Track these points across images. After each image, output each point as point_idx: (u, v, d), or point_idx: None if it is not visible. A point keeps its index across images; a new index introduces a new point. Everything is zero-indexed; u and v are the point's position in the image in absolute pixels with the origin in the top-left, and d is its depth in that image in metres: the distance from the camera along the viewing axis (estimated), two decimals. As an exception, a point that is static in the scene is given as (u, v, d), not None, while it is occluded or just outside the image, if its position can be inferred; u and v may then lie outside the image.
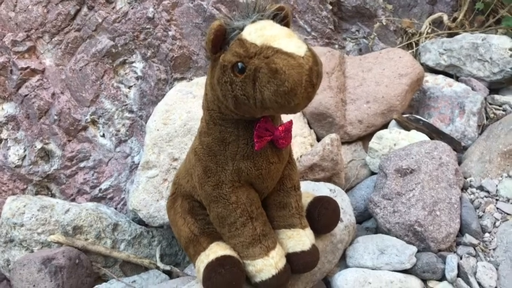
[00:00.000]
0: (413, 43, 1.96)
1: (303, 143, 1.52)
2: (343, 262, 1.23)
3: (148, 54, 1.78)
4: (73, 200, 1.75)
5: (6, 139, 1.77)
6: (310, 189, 1.26)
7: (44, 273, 1.26)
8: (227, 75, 0.82)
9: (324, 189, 1.28)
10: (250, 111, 0.84)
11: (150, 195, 1.40)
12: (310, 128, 1.61)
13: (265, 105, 0.80)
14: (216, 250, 0.99)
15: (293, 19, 1.88)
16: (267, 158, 0.95)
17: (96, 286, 1.33)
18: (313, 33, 1.89)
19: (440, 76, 1.76)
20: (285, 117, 1.00)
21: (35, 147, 1.75)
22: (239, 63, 0.81)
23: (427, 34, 1.95)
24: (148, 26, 1.78)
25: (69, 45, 1.78)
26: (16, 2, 1.79)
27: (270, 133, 0.92)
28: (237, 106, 0.84)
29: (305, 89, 0.77)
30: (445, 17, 1.96)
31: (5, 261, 1.42)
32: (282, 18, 0.87)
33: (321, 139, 1.43)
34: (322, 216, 1.09)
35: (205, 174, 0.97)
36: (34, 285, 1.25)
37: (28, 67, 1.77)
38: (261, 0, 0.85)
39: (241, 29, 0.83)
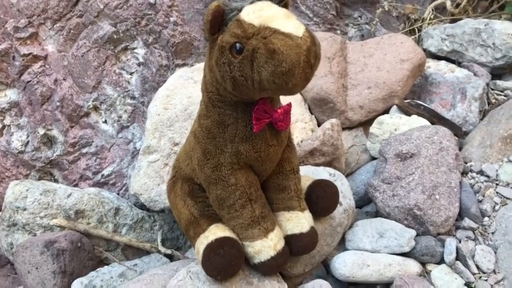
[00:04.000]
0: (416, 29, 1.95)
1: (303, 129, 1.52)
2: (342, 245, 1.24)
3: (150, 40, 1.78)
4: (76, 185, 1.76)
5: (9, 125, 1.79)
6: (310, 174, 1.26)
7: (46, 255, 1.28)
8: (225, 56, 0.82)
9: (323, 173, 1.28)
10: (248, 92, 0.84)
11: (151, 180, 1.41)
12: (311, 113, 1.61)
13: (263, 86, 0.80)
14: (216, 232, 1.00)
15: (295, 4, 1.87)
16: (265, 141, 0.95)
17: (98, 269, 1.34)
18: (315, 19, 1.88)
19: (443, 62, 1.75)
20: (284, 100, 1.00)
21: (38, 133, 1.76)
22: (237, 44, 0.81)
23: (429, 20, 1.93)
24: (149, 12, 1.77)
25: (71, 31, 1.78)
26: (18, -12, 1.79)
27: (269, 115, 0.92)
28: (235, 87, 0.84)
29: (303, 70, 0.77)
30: (448, 3, 1.94)
31: (9, 245, 1.44)
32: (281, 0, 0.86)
33: (322, 124, 1.43)
34: (321, 199, 1.10)
35: (205, 157, 0.98)
36: (37, 268, 1.27)
37: (30, 53, 1.77)
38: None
39: (240, 10, 0.83)
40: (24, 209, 1.42)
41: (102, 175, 1.77)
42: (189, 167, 1.07)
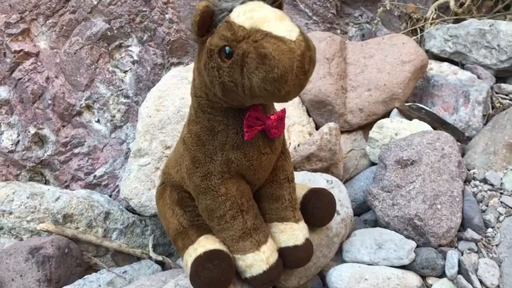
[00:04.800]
0: (418, 29, 1.89)
1: (301, 132, 1.46)
2: (339, 256, 1.19)
3: (145, 37, 1.73)
4: (67, 186, 1.71)
5: (0, 124, 1.74)
6: (306, 180, 1.21)
7: (31, 263, 1.23)
8: (214, 60, 0.77)
9: (320, 180, 1.23)
10: (238, 99, 0.79)
11: (141, 184, 1.36)
12: (309, 116, 1.56)
13: (254, 93, 0.75)
14: (205, 244, 0.95)
15: (293, 2, 1.81)
16: (258, 149, 0.90)
17: (86, 276, 1.29)
18: (314, 18, 1.82)
19: (445, 63, 1.69)
20: (278, 105, 0.95)
21: (29, 132, 1.71)
22: (226, 48, 0.75)
23: (432, 20, 1.87)
24: (144, 9, 1.72)
25: (64, 27, 1.73)
26: (10, -17, 1.74)
27: (261, 122, 0.87)
28: (225, 93, 0.79)
29: (296, 76, 0.71)
30: (452, 2, 1.88)
31: (-5, 249, 1.39)
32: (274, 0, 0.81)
33: (320, 128, 1.38)
34: (316, 209, 1.05)
35: (194, 165, 0.93)
36: (21, 275, 1.22)
37: (22, 50, 1.72)
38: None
39: (230, 11, 0.78)
40: (10, 213, 1.37)
41: (95, 176, 1.72)
42: (178, 174, 1.02)
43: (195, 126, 0.91)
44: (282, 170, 1.00)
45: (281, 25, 0.73)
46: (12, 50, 1.70)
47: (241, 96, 0.77)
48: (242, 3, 0.78)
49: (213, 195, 0.92)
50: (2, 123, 1.73)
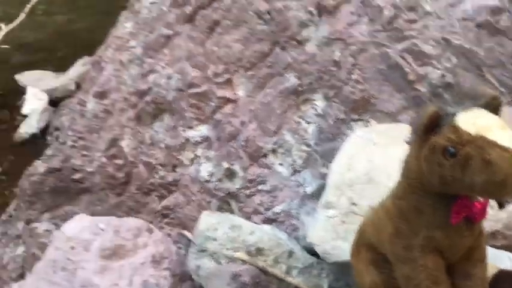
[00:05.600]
0: None
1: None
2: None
3: (330, 94, 1.87)
4: (248, 218, 1.92)
5: (200, 156, 2.03)
6: (489, 256, 1.25)
7: (232, 287, 1.46)
8: (436, 156, 0.90)
9: (504, 258, 1.27)
10: (455, 190, 0.91)
11: (327, 233, 1.50)
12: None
13: (473, 190, 0.87)
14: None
15: (479, 73, 1.84)
16: (460, 231, 1.00)
17: (271, 309, 1.48)
18: (501, 89, 1.83)
19: None
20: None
21: (222, 166, 1.97)
22: (450, 148, 0.88)
23: None
24: (333, 68, 1.86)
25: (261, 80, 1.96)
26: (220, 39, 2.04)
27: (468, 209, 0.97)
28: (443, 185, 0.91)
29: None
30: None
31: (197, 267, 1.65)
32: (494, 107, 0.92)
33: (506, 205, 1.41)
34: (506, 291, 1.10)
35: (396, 235, 1.05)
36: (224, 296, 1.46)
37: (224, 96, 2.00)
38: (476, 88, 0.92)
39: (453, 115, 0.90)
40: (214, 239, 1.63)
41: (273, 212, 1.89)
42: (375, 238, 1.14)
43: (401, 202, 1.04)
44: (477, 250, 1.07)
45: (504, 134, 0.85)
46: (217, 95, 1.99)
47: (458, 189, 0.90)
48: (465, 109, 0.90)
49: (412, 266, 1.03)
50: (202, 156, 2.02)
